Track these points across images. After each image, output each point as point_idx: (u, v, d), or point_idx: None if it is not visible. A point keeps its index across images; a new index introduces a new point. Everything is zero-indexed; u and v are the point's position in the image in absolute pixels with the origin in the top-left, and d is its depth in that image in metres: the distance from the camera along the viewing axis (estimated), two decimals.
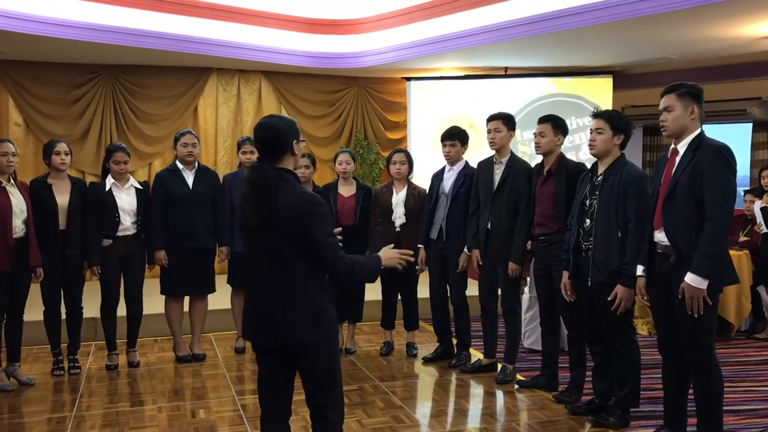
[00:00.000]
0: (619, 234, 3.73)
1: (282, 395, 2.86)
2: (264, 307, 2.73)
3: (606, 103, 8.19)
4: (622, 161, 3.85)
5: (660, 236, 3.41)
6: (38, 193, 4.70)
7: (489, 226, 4.73)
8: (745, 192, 6.61)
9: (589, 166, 4.08)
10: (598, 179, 3.87)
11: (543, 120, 4.46)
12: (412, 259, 2.96)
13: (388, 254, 2.88)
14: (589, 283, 3.84)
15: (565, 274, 4.03)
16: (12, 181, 4.58)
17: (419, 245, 5.20)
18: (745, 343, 5.93)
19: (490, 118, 4.79)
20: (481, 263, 4.83)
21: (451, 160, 5.07)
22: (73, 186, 4.84)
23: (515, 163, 4.70)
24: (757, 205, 6.13)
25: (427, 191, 5.28)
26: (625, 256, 3.68)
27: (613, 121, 3.86)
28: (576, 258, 3.95)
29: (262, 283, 2.73)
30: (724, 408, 3.44)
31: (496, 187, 4.70)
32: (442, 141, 5.09)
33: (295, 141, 2.75)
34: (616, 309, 3.71)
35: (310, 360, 2.74)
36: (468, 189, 4.96)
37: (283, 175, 2.71)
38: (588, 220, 3.87)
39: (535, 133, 4.47)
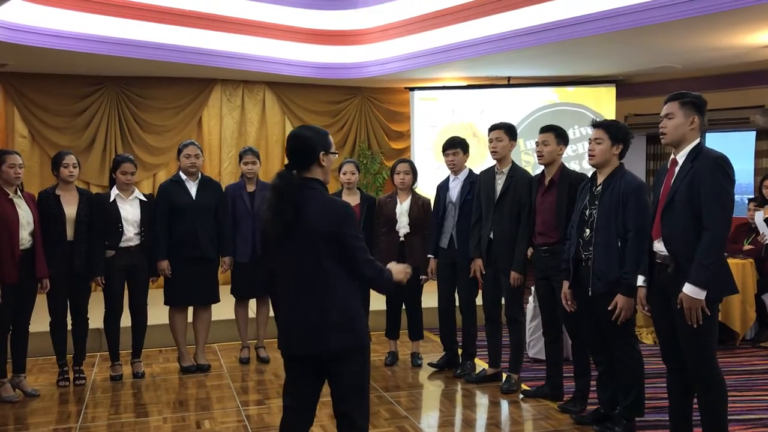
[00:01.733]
0: (619, 244, 3.74)
1: (308, 404, 2.87)
2: (300, 317, 2.73)
3: (609, 112, 8.20)
4: (621, 171, 3.87)
5: (659, 246, 3.41)
6: (46, 204, 4.73)
7: (491, 236, 4.74)
8: (749, 200, 6.60)
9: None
10: (598, 189, 3.89)
11: (546, 129, 4.48)
12: (409, 272, 2.97)
13: (395, 268, 2.90)
14: (590, 293, 3.84)
15: (566, 284, 4.04)
16: (19, 192, 4.61)
17: (429, 255, 5.21)
18: (751, 352, 5.90)
19: (492, 128, 4.81)
20: (483, 272, 4.83)
21: (455, 169, 5.10)
22: (80, 197, 4.87)
23: (516, 173, 4.72)
24: (759, 216, 6.12)
25: (433, 202, 5.29)
26: (625, 265, 3.69)
27: (612, 131, 3.88)
28: (576, 268, 3.96)
29: (297, 293, 2.74)
30: (730, 417, 3.43)
31: (498, 196, 4.72)
32: (443, 151, 5.12)
33: (323, 153, 2.79)
34: (617, 318, 3.72)
35: (345, 366, 2.75)
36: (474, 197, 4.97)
37: (308, 183, 2.76)
38: (588, 230, 3.88)
39: (537, 143, 4.49)
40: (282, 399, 2.91)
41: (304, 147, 2.78)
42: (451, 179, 5.16)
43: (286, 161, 2.84)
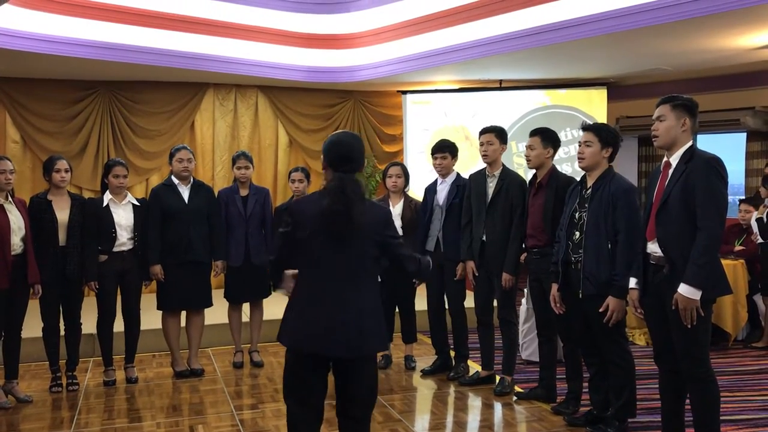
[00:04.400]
0: (609, 246, 3.75)
1: (321, 405, 2.87)
2: (343, 318, 2.75)
3: (600, 115, 8.23)
4: (611, 173, 3.89)
5: (653, 247, 3.43)
6: (38, 210, 4.72)
7: (484, 238, 4.75)
8: (740, 201, 6.64)
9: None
10: (588, 192, 3.91)
11: (532, 134, 4.50)
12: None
13: None
14: (581, 295, 3.86)
15: (554, 287, 4.06)
16: (10, 198, 4.60)
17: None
18: (742, 353, 5.94)
19: (483, 131, 4.83)
20: (476, 274, 4.84)
21: (442, 173, 5.11)
22: (72, 202, 4.86)
23: (508, 176, 4.74)
24: (754, 216, 6.15)
25: (421, 205, 5.31)
26: (616, 267, 3.71)
27: (602, 134, 3.90)
28: (565, 270, 3.97)
29: (341, 294, 2.76)
30: (722, 418, 3.46)
31: (489, 199, 4.73)
32: (432, 154, 5.15)
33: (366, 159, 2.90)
34: (608, 320, 3.73)
35: (366, 371, 2.82)
36: (462, 199, 4.98)
37: None
38: (577, 233, 3.89)
39: (525, 147, 4.52)
40: (290, 411, 2.86)
41: (358, 153, 2.87)
42: (438, 182, 5.18)
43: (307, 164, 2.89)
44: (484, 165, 4.87)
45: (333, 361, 2.81)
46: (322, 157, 2.90)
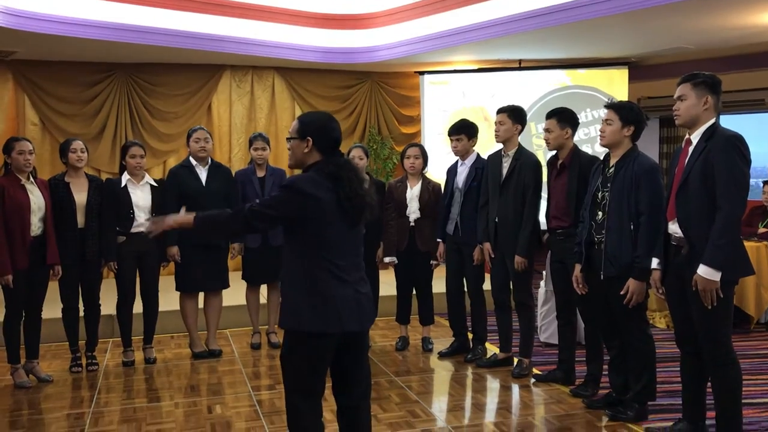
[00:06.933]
0: (632, 227, 3.69)
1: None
2: (364, 294, 2.83)
3: (621, 95, 8.11)
4: (634, 153, 3.81)
5: (674, 227, 3.37)
6: (56, 191, 4.74)
7: (497, 219, 4.71)
8: (764, 183, 6.53)
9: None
10: (610, 171, 3.84)
11: (548, 116, 4.44)
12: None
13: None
14: (602, 276, 3.81)
15: (577, 267, 4.01)
16: (32, 178, 4.62)
17: (437, 239, 5.19)
18: (765, 336, 5.86)
19: (497, 112, 4.79)
20: (493, 256, 4.80)
21: (460, 154, 5.06)
22: (90, 183, 4.88)
23: (522, 156, 4.67)
24: None
25: (443, 186, 5.26)
26: (638, 249, 3.65)
27: (623, 112, 3.82)
28: (588, 251, 3.92)
29: (357, 270, 2.84)
30: (744, 401, 3.41)
31: (503, 180, 4.68)
32: (449, 135, 5.08)
33: None
34: (629, 302, 3.68)
35: (366, 341, 2.93)
36: (480, 182, 4.94)
37: None
38: (600, 213, 3.84)
39: (543, 129, 4.46)
40: (315, 387, 2.78)
41: None
42: (459, 164, 5.13)
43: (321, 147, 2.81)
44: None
45: (352, 336, 2.79)
46: (308, 138, 2.75)
